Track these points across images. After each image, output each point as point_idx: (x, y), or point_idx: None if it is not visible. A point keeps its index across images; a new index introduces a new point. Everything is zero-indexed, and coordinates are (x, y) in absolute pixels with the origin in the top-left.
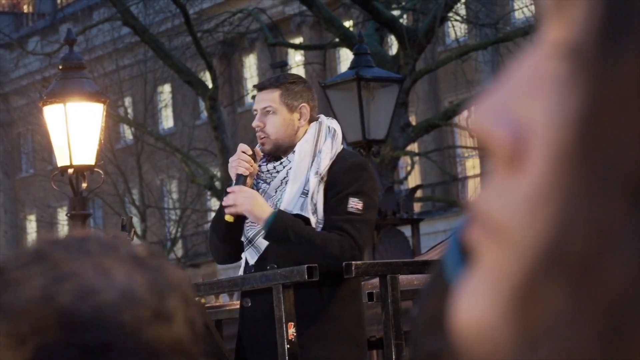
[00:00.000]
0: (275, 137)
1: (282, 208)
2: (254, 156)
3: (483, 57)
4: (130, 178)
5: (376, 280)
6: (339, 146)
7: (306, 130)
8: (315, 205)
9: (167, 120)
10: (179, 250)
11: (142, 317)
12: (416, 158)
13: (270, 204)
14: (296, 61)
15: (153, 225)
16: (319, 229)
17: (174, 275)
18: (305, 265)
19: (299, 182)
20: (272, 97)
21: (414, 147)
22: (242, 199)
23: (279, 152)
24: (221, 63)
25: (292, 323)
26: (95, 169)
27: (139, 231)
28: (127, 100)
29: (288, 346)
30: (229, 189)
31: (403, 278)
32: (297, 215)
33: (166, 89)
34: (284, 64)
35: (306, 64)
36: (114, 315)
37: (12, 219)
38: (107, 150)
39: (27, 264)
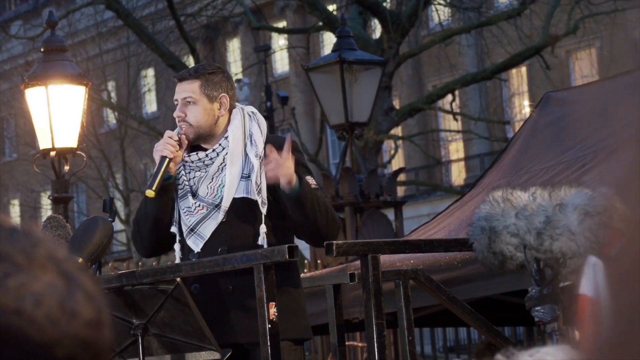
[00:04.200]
0: (197, 126)
1: (225, 192)
2: (179, 143)
3: (467, 40)
4: (114, 162)
5: (359, 263)
6: (264, 128)
7: (228, 119)
8: (259, 186)
9: (150, 105)
10: None
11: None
12: (400, 142)
13: (211, 189)
14: (280, 45)
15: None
16: (264, 209)
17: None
18: (287, 245)
19: (237, 165)
20: (192, 88)
21: (397, 130)
22: (286, 163)
23: (199, 140)
24: (205, 47)
25: (274, 303)
26: (78, 152)
27: (122, 215)
28: (111, 85)
29: (269, 326)
30: (268, 161)
31: (385, 259)
32: (244, 199)
33: (149, 73)
34: (267, 48)
35: (290, 47)
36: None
37: None
38: (90, 134)
39: None
